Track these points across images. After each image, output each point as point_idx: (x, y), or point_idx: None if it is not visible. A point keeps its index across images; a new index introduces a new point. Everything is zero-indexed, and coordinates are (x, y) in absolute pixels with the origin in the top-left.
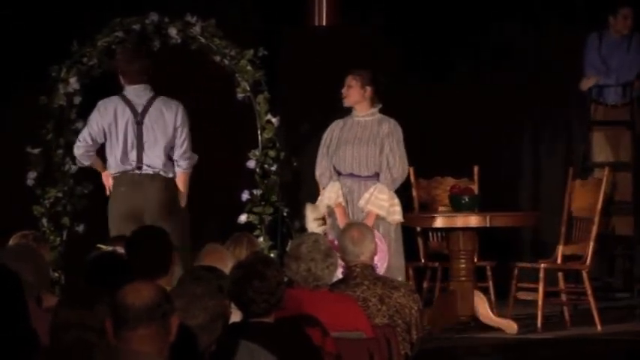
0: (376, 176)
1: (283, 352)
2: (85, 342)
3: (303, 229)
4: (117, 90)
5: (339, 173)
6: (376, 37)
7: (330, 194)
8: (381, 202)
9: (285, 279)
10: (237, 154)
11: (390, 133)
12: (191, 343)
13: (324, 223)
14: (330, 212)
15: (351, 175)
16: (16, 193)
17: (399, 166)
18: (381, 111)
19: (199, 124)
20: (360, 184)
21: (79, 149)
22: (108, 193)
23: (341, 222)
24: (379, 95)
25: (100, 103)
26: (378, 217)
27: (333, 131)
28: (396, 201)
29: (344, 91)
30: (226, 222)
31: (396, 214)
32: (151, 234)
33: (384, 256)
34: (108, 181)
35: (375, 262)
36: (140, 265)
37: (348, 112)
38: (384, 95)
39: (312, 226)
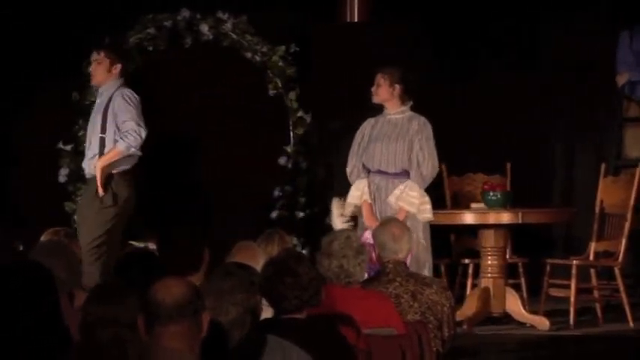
0: (404, 174)
1: (315, 348)
2: (117, 337)
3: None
4: (149, 85)
5: (368, 171)
6: (408, 34)
7: (356, 192)
8: (412, 200)
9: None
10: (269, 150)
11: (419, 130)
12: (222, 339)
13: (350, 220)
14: (358, 211)
15: (379, 172)
16: (47, 190)
17: (428, 163)
18: (412, 108)
19: (231, 121)
20: (388, 182)
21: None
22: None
23: (367, 219)
24: (409, 93)
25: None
26: (407, 214)
27: (365, 129)
28: (427, 199)
29: (373, 89)
30: (258, 218)
31: (426, 213)
32: (183, 231)
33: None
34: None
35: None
36: (172, 262)
37: (380, 109)
38: (416, 92)
39: (337, 221)
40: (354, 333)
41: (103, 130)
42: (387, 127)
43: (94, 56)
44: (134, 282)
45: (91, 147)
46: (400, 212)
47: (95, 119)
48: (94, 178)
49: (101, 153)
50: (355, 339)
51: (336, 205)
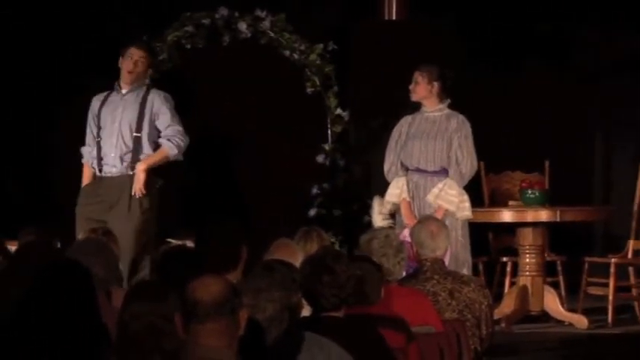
0: (443, 171)
1: (353, 347)
2: (153, 329)
3: (372, 223)
4: (186, 83)
5: (406, 169)
6: (446, 32)
7: (395, 190)
8: (451, 198)
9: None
10: (307, 148)
11: (458, 128)
12: (259, 337)
13: (389, 218)
14: (397, 209)
15: (418, 170)
16: None
17: (467, 161)
18: (450, 106)
19: (269, 119)
20: (427, 180)
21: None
22: (145, 191)
23: (406, 217)
24: (447, 90)
25: None
26: (445, 213)
27: (402, 127)
28: (466, 197)
29: (411, 87)
30: (296, 216)
31: (465, 211)
32: (221, 228)
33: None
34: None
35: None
36: (210, 260)
37: (417, 107)
38: (454, 90)
39: (377, 219)
40: (403, 337)
41: (139, 129)
42: (425, 125)
43: (139, 53)
44: (173, 280)
45: (119, 145)
46: (439, 210)
47: (124, 116)
48: (124, 177)
49: (136, 152)
50: (404, 343)
51: (377, 203)
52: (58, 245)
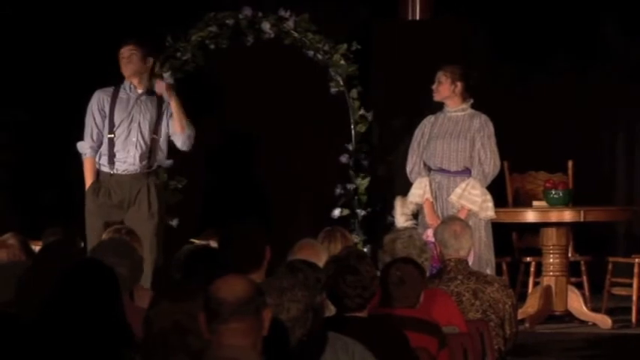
0: (466, 171)
1: (377, 347)
2: (181, 329)
3: (395, 224)
4: (210, 84)
5: (429, 169)
6: (469, 31)
7: (417, 191)
8: (474, 198)
9: (378, 273)
10: (331, 148)
11: (481, 128)
12: (283, 337)
13: (412, 218)
14: (420, 209)
15: (441, 169)
16: None
17: (490, 161)
18: (473, 106)
19: (292, 119)
20: (450, 180)
21: None
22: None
23: (429, 217)
24: (470, 90)
25: None
26: (469, 213)
27: (425, 127)
28: (489, 197)
29: (434, 87)
30: (319, 216)
31: (488, 210)
32: (244, 228)
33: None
34: None
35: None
36: (233, 260)
37: (440, 107)
38: (478, 89)
39: (400, 220)
40: (436, 342)
41: (156, 131)
42: (447, 125)
43: (127, 49)
44: (197, 280)
45: (139, 144)
46: (462, 210)
47: (143, 117)
48: (142, 175)
49: (153, 153)
50: (436, 351)
51: (399, 204)
52: (82, 245)
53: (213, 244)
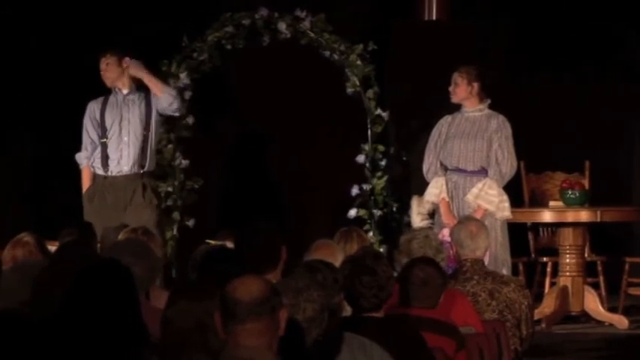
0: (482, 171)
1: (393, 347)
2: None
3: (411, 224)
4: (227, 84)
5: (446, 168)
6: (486, 32)
7: (434, 190)
8: (491, 198)
9: (395, 274)
10: (347, 148)
11: (498, 128)
12: (299, 337)
13: (428, 218)
14: (435, 209)
15: (458, 169)
16: None
17: (507, 162)
18: (490, 106)
19: (308, 119)
20: (466, 180)
21: None
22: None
23: (445, 217)
24: (487, 90)
25: None
26: (485, 213)
27: (442, 127)
28: (505, 197)
29: (451, 88)
30: (336, 217)
31: (505, 211)
32: (260, 229)
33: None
34: None
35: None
36: (249, 260)
37: (457, 106)
38: (494, 90)
39: (416, 219)
40: (454, 344)
41: (147, 127)
42: (465, 125)
43: (103, 62)
44: (214, 280)
45: (132, 142)
46: (478, 210)
47: (132, 114)
48: (136, 175)
49: (144, 150)
50: (453, 352)
51: (415, 203)
52: (98, 245)
53: (229, 244)
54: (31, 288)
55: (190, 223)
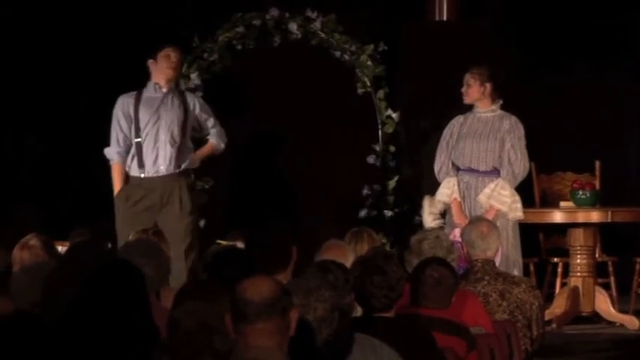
0: (494, 172)
1: (403, 348)
2: (207, 329)
3: (423, 224)
4: (237, 84)
5: (458, 169)
6: (496, 32)
7: (446, 190)
8: (504, 198)
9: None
10: (358, 149)
11: (511, 129)
12: (310, 337)
13: (440, 218)
14: (447, 209)
15: (470, 169)
16: None
17: (520, 162)
18: (502, 106)
19: (319, 120)
20: (478, 180)
21: None
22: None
23: (457, 218)
24: (499, 90)
25: None
26: (497, 213)
27: (454, 127)
28: (517, 198)
29: (463, 90)
30: (346, 217)
31: (517, 211)
32: (271, 229)
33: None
34: None
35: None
36: (260, 260)
37: (468, 107)
38: (505, 90)
39: (428, 219)
40: (464, 344)
41: (184, 129)
42: (477, 125)
43: (176, 54)
44: (223, 281)
45: (169, 143)
46: (490, 211)
47: (172, 115)
48: (173, 176)
49: (182, 151)
50: (464, 351)
51: (427, 203)
52: (109, 246)
53: (240, 245)
54: (41, 289)
55: (201, 223)
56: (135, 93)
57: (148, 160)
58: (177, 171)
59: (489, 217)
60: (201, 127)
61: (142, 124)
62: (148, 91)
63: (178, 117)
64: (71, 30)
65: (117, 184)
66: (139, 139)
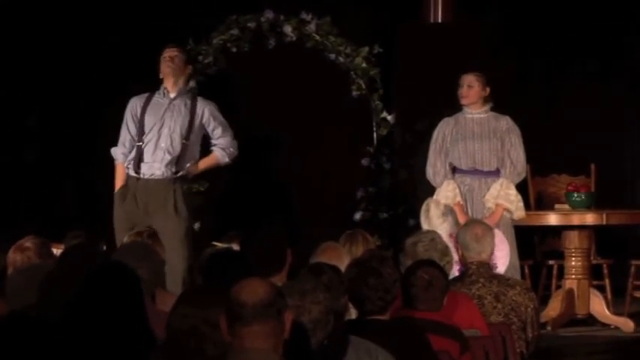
0: (496, 172)
1: (398, 350)
2: (197, 334)
3: (417, 226)
4: (232, 87)
5: (453, 171)
6: (491, 34)
7: (448, 193)
8: (511, 197)
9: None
10: (353, 151)
11: (509, 129)
12: (304, 339)
13: (445, 220)
14: (449, 211)
15: (474, 170)
16: None
17: (522, 161)
18: (496, 108)
19: (314, 122)
20: (481, 181)
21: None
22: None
23: (461, 220)
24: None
25: None
26: (503, 212)
27: (444, 129)
28: (520, 197)
29: (464, 91)
30: (341, 219)
31: (521, 210)
32: (266, 232)
33: (505, 256)
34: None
35: (494, 262)
36: (255, 263)
37: (457, 109)
38: (500, 92)
39: (437, 222)
40: (457, 346)
41: (188, 136)
42: (472, 126)
43: (172, 51)
44: (218, 283)
45: (168, 149)
46: (497, 210)
47: (175, 122)
48: (169, 180)
49: (183, 158)
50: (458, 353)
51: (433, 206)
52: (104, 248)
53: (236, 247)
54: (36, 291)
55: (196, 226)
56: (146, 95)
57: (145, 162)
58: (173, 176)
59: (496, 217)
60: (210, 135)
61: (146, 129)
62: (158, 96)
63: (182, 125)
64: (67, 33)
65: (118, 183)
66: (140, 143)
